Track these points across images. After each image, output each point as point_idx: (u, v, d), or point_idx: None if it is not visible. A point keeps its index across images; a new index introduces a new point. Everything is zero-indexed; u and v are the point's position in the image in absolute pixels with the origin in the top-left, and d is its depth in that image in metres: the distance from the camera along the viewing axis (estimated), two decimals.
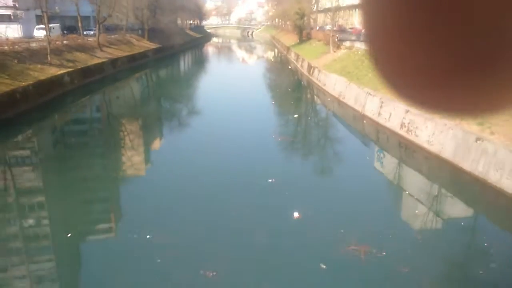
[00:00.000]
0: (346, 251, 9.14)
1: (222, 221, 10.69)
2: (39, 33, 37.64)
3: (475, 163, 12.76)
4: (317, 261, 8.85)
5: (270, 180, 13.30)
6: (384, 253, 9.08)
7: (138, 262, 8.88)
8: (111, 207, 13.23)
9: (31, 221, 11.72)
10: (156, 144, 20.60)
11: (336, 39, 37.09)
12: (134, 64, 45.68)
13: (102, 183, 14.96)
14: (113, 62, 40.29)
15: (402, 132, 17.41)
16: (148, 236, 9.81)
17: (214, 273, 8.34)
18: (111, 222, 12.03)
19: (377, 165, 17.16)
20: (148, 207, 11.84)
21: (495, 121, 12.66)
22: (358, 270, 8.71)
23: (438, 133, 14.93)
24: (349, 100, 24.45)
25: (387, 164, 16.95)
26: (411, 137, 16.74)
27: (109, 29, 54.73)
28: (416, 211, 12.21)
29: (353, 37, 36.32)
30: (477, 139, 12.88)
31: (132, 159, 17.64)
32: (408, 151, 16.87)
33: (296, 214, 10.96)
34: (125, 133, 22.44)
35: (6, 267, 9.40)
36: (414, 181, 15.01)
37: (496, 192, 11.75)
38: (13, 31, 40.07)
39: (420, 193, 13.61)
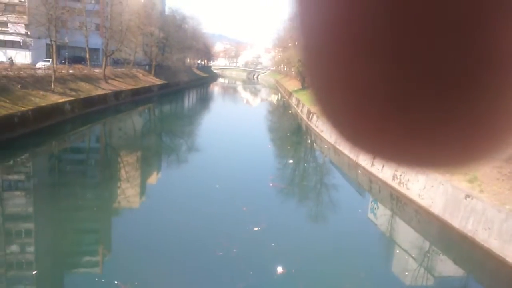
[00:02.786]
0: None
1: (203, 269, 10.39)
2: (41, 64, 38.10)
3: (464, 221, 12.68)
4: None
5: (256, 229, 12.99)
6: None
7: None
8: (100, 239, 13.09)
9: (16, 248, 11.53)
10: (153, 178, 20.60)
11: None
12: (138, 97, 46.44)
13: (93, 214, 14.84)
14: (117, 94, 40.99)
15: (394, 184, 17.42)
16: (131, 277, 9.65)
17: None
18: (99, 255, 11.85)
19: (370, 216, 17.03)
20: (137, 244, 11.69)
21: (486, 179, 12.71)
22: None
23: (429, 187, 14.93)
24: (345, 148, 24.61)
25: (380, 216, 16.82)
26: (403, 189, 16.73)
27: (117, 63, 56.15)
28: (407, 270, 11.92)
29: None
30: (467, 196, 12.87)
31: (127, 192, 17.60)
32: (400, 203, 16.81)
33: (279, 269, 10.53)
34: (122, 165, 22.48)
35: None
36: (406, 236, 14.85)
37: (484, 252, 11.60)
38: (22, 58, 41.14)
39: (411, 249, 13.42)
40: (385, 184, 18.26)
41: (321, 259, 11.56)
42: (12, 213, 14.20)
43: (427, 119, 0.25)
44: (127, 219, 14.52)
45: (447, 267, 12.49)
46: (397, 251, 13.50)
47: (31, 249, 11.64)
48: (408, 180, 16.37)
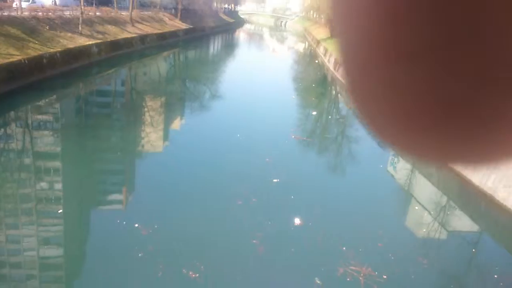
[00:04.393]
0: (345, 271, 8.73)
1: (222, 217, 10.64)
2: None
3: (485, 178, 12.55)
4: (313, 278, 8.50)
5: (275, 180, 13.13)
6: (385, 277, 8.67)
7: (138, 243, 9.06)
8: (124, 180, 13.66)
9: (44, 184, 12.21)
10: (176, 124, 20.95)
11: None
12: (164, 42, 46.12)
13: (118, 156, 15.40)
14: (143, 38, 40.78)
15: None
16: (151, 219, 10.10)
17: (197, 275, 8.19)
18: (122, 195, 12.39)
19: (390, 169, 16.99)
20: (159, 186, 12.17)
21: None
22: None
23: None
24: None
25: (400, 170, 16.77)
26: None
27: (144, 6, 55.42)
28: (422, 224, 11.97)
29: None
30: None
31: (150, 136, 18.02)
32: None
33: (297, 221, 10.69)
34: (146, 109, 22.86)
35: (17, 225, 9.90)
36: (424, 190, 14.86)
37: (502, 210, 11.58)
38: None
39: (428, 203, 13.44)
40: None
41: (339, 212, 11.67)
42: (41, 151, 14.86)
43: (476, 120, 0.24)
44: (150, 163, 15.01)
45: (462, 222, 12.54)
46: (414, 205, 13.56)
47: (59, 186, 12.29)
48: None
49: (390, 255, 9.63)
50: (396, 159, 17.95)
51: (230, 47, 67.18)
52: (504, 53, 0.21)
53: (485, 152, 0.26)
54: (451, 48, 0.22)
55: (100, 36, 32.32)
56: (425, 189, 14.95)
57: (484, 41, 0.21)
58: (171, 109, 23.24)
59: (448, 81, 0.23)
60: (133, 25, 41.02)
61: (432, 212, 12.81)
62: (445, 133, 0.25)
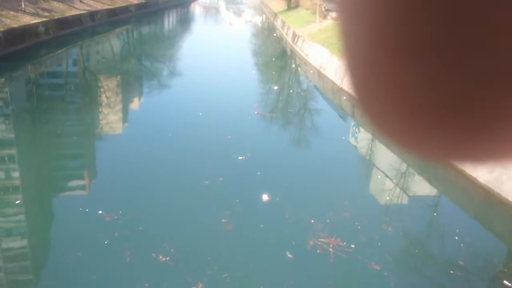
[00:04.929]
0: (315, 243, 8.90)
1: (189, 198, 10.48)
2: None
3: None
4: (283, 252, 8.62)
5: (240, 158, 13.08)
6: (353, 246, 8.91)
7: (103, 229, 8.82)
8: (85, 164, 13.17)
9: (0, 174, 11.54)
10: (134, 104, 20.31)
11: (324, 9, 36.54)
12: (115, 18, 44.18)
13: (76, 139, 14.81)
14: (92, 14, 38.82)
15: None
16: (115, 203, 9.85)
17: (167, 258, 8.10)
18: (85, 179, 11.98)
19: (351, 140, 17.35)
20: (122, 169, 11.87)
21: None
22: (326, 267, 8.40)
23: None
24: (329, 73, 24.41)
25: (361, 139, 17.15)
26: None
27: None
28: (387, 194, 12.36)
29: None
30: None
31: (109, 117, 17.41)
32: None
33: (265, 197, 10.76)
34: (103, 90, 21.98)
35: None
36: (385, 158, 15.30)
37: (457, 172, 12.14)
38: None
39: (389, 170, 13.91)
40: None
41: (305, 186, 11.84)
42: None
43: (480, 118, 0.24)
44: (110, 145, 14.55)
45: (422, 187, 13.11)
46: (377, 174, 13.99)
47: (16, 174, 11.70)
48: None
49: (356, 224, 9.93)
50: (357, 129, 18.33)
51: (186, 21, 65.37)
52: (504, 52, 0.22)
53: (487, 150, 0.26)
54: (452, 48, 0.22)
55: (46, 13, 30.46)
56: (386, 158, 15.41)
57: (484, 41, 0.22)
58: (128, 89, 22.47)
59: (449, 80, 0.23)
60: (81, 1, 38.90)
61: (393, 180, 13.27)
62: (448, 131, 0.25)
